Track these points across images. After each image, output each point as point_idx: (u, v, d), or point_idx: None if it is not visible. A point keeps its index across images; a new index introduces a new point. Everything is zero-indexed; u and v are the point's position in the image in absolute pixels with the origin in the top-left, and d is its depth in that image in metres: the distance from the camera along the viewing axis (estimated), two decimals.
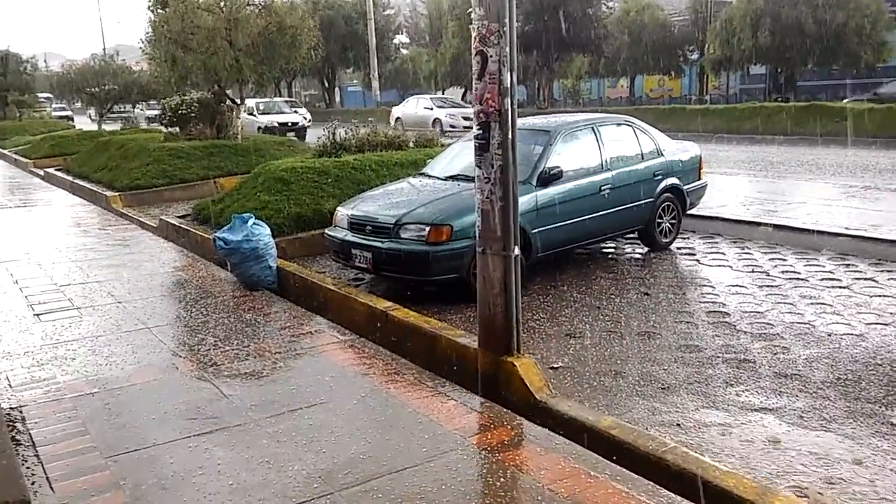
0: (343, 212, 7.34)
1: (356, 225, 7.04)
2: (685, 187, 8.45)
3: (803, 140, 21.69)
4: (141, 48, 16.95)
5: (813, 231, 8.40)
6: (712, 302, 6.43)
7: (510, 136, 4.45)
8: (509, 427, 4.09)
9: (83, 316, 6.42)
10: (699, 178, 8.81)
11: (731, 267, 7.56)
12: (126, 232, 10.82)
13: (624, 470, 3.56)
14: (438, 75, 56.23)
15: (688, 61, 48.83)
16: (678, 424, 4.21)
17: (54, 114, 44.15)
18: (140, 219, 11.66)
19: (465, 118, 26.75)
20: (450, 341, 5.18)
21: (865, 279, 6.92)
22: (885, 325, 5.71)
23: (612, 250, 8.54)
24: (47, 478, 3.61)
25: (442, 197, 6.99)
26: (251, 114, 27.86)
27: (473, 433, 4.03)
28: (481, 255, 4.68)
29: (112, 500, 3.42)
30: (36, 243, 9.95)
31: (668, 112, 28.56)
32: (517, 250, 4.61)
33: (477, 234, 4.70)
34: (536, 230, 6.82)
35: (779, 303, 6.32)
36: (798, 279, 7.01)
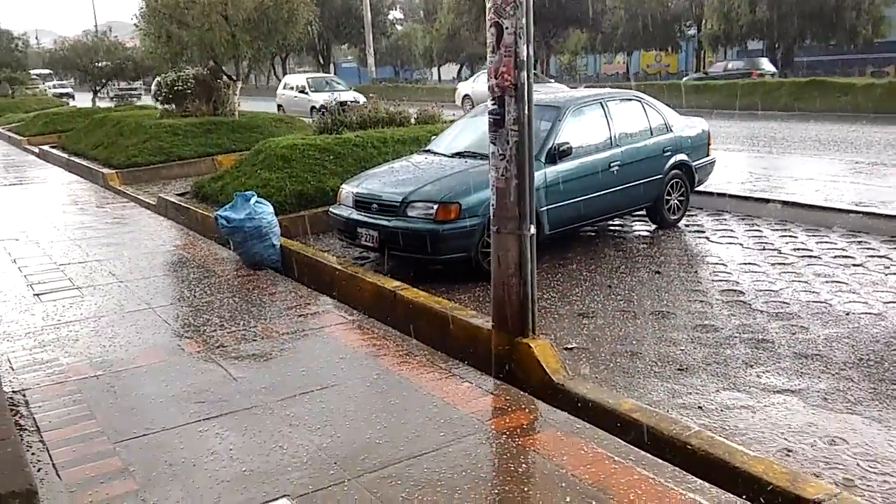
0: (348, 189, 7.20)
1: (362, 203, 6.90)
2: (694, 163, 8.31)
3: (804, 115, 21.50)
4: (135, 24, 16.64)
5: (823, 207, 8.30)
6: (725, 280, 6.32)
7: (526, 111, 4.30)
8: (527, 410, 3.98)
9: (84, 296, 6.28)
10: (707, 154, 8.67)
11: (741, 244, 7.45)
12: (124, 210, 10.65)
13: (648, 455, 3.46)
14: (434, 52, 55.75)
15: (685, 37, 48.46)
16: (700, 407, 4.11)
17: (53, 91, 42.37)
18: (138, 196, 11.48)
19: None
20: (462, 322, 5.07)
21: (879, 256, 6.81)
22: None
23: (619, 228, 8.41)
24: (53, 464, 3.50)
25: (449, 174, 6.84)
26: (303, 91, 25.60)
27: (490, 417, 3.93)
28: (496, 235, 4.56)
29: (121, 488, 3.31)
30: (33, 221, 9.78)
31: (667, 88, 28.30)
32: (533, 229, 4.48)
33: (491, 213, 4.57)
34: (545, 208, 6.69)
35: (793, 281, 6.21)
36: (811, 257, 6.90)
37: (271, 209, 7.33)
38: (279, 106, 26.52)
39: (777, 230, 7.93)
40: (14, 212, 10.68)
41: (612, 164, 7.33)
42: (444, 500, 3.13)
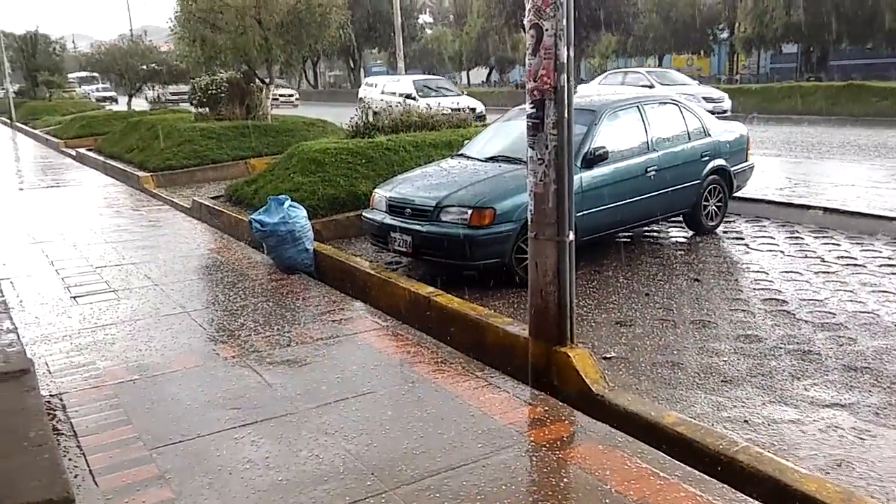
0: (381, 194, 7.15)
1: (395, 207, 6.85)
2: (732, 169, 8.14)
3: (842, 120, 21.11)
4: (170, 27, 16.82)
5: (866, 215, 8.07)
6: (767, 289, 6.16)
7: (566, 115, 4.22)
8: (566, 422, 3.90)
9: (120, 299, 6.31)
10: (746, 159, 8.50)
11: (782, 252, 7.27)
12: (159, 213, 10.74)
13: (694, 471, 3.35)
14: (463, 55, 55.78)
15: (717, 40, 47.87)
16: (746, 421, 3.99)
17: (96, 94, 41.65)
18: (172, 199, 11.58)
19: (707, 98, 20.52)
20: (498, 329, 4.99)
21: None
22: None
23: (655, 234, 8.27)
24: (90, 471, 3.49)
25: (483, 179, 6.76)
26: (409, 97, 21.96)
27: (529, 428, 3.85)
28: (534, 241, 4.47)
29: (158, 496, 3.28)
30: (70, 224, 9.90)
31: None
32: (571, 235, 4.39)
33: (529, 219, 4.49)
34: (581, 213, 6.56)
35: (838, 290, 6.04)
36: (855, 265, 6.71)
37: (305, 213, 7.32)
38: (360, 99, 25.98)
39: (819, 237, 7.73)
40: (52, 214, 10.82)
41: (648, 169, 7.19)
42: None
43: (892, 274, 6.40)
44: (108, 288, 6.65)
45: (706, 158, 7.81)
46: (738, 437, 3.69)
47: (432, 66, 61.98)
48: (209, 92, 16.09)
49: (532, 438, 3.72)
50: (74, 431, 3.88)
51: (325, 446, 3.67)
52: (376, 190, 7.36)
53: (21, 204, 12.13)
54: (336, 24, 15.79)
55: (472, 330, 5.22)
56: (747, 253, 7.35)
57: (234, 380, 4.55)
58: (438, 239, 6.38)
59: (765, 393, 4.32)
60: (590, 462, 3.45)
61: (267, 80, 16.23)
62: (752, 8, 36.81)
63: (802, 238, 7.75)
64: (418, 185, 7.02)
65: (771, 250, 7.35)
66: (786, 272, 6.59)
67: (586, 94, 18.79)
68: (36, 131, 27.42)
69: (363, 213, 7.38)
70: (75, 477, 3.41)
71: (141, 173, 13.88)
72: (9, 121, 34.63)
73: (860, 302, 5.75)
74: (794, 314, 5.55)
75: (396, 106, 17.79)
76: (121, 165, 15.32)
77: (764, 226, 8.39)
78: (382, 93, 25.08)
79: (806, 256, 7.06)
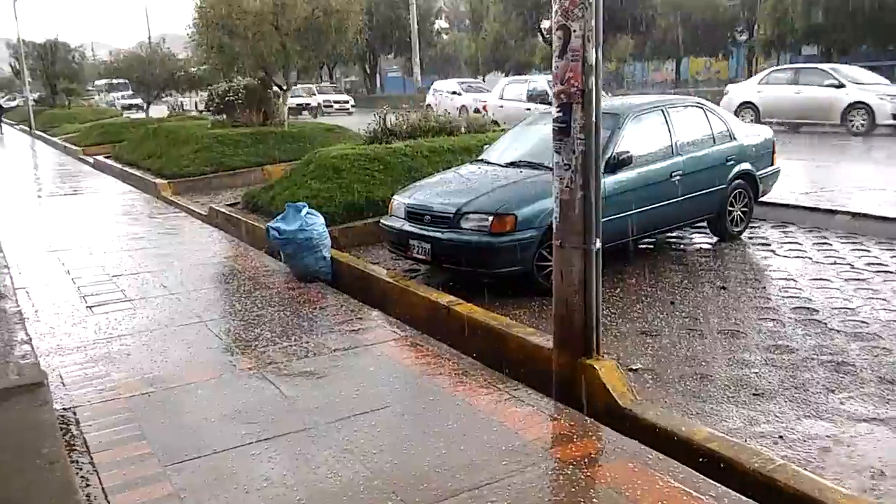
0: (399, 200, 7.04)
1: (414, 214, 6.74)
2: (758, 173, 7.96)
3: None
4: (188, 34, 16.86)
5: None
6: (796, 297, 5.98)
7: (594, 118, 4.08)
8: (593, 438, 3.75)
9: (136, 308, 6.24)
10: (772, 164, 8.31)
11: (810, 258, 7.08)
12: (176, 220, 10.70)
13: (729, 491, 3.20)
14: (480, 60, 55.66)
15: (736, 43, 47.43)
16: (780, 437, 3.82)
17: (122, 102, 39.91)
18: (189, 207, 11.55)
19: None
20: (520, 340, 4.86)
21: None
22: None
23: (678, 240, 8.10)
24: (103, 489, 3.39)
25: (504, 185, 6.64)
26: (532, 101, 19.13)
27: (555, 444, 3.71)
28: (559, 249, 4.34)
29: None
30: (87, 232, 9.88)
31: (720, 94, 27.63)
32: (599, 243, 4.25)
33: (554, 226, 4.35)
34: (604, 219, 6.36)
35: (870, 298, 5.85)
36: (887, 272, 6.51)
37: (322, 220, 7.23)
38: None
39: (847, 243, 7.53)
40: (69, 222, 10.81)
41: (673, 174, 7.03)
42: None
43: None
44: (124, 297, 6.59)
45: (731, 163, 7.63)
46: (773, 454, 3.53)
47: (448, 72, 62.00)
48: (226, 98, 16.10)
49: (559, 455, 3.58)
50: (87, 447, 3.79)
51: (344, 463, 3.55)
52: (395, 196, 7.26)
53: (39, 212, 12.15)
54: (353, 30, 15.73)
55: (493, 340, 5.10)
56: (774, 259, 7.17)
57: (250, 392, 4.44)
58: (458, 246, 6.26)
59: (799, 407, 4.15)
60: (620, 481, 3.31)
61: (284, 87, 16.20)
62: (772, 10, 36.46)
63: (830, 244, 7.55)
64: (438, 191, 6.90)
65: (799, 256, 7.16)
66: (815, 279, 6.41)
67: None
68: (55, 139, 27.63)
69: (381, 220, 7.27)
70: (87, 496, 3.31)
71: (158, 180, 13.89)
72: (28, 128, 34.97)
73: (893, 310, 5.56)
74: (825, 323, 5.37)
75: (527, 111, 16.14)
76: (138, 173, 15.36)
77: (790, 231, 8.19)
78: (501, 98, 21.74)
79: (835, 263, 6.86)
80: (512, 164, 7.17)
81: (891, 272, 6.51)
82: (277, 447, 3.75)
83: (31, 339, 5.26)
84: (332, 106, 38.95)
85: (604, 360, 4.31)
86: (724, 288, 6.31)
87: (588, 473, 3.40)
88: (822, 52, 39.62)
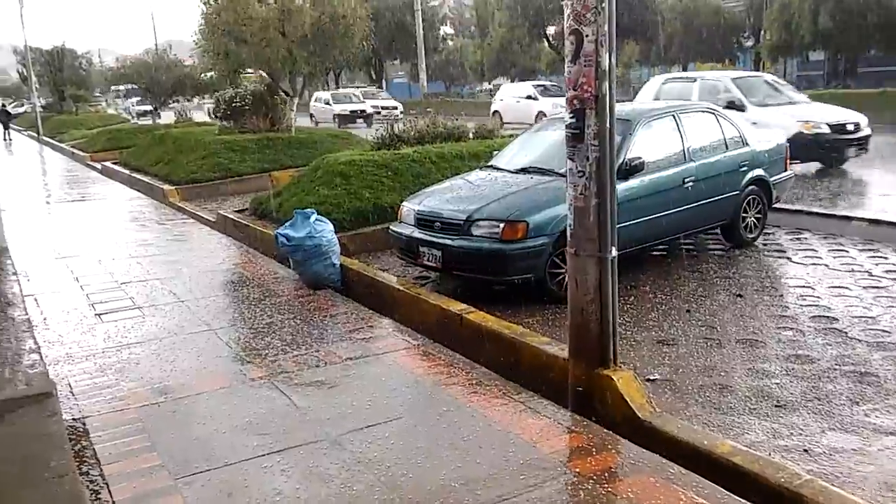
0: (409, 207, 6.98)
1: (423, 221, 6.67)
2: (771, 179, 7.87)
3: (877, 128, 20.52)
4: (194, 41, 16.86)
5: None
6: (814, 305, 5.88)
7: (608, 124, 4.01)
8: (613, 451, 3.67)
9: (145, 316, 6.18)
10: (786, 169, 8.22)
11: (827, 265, 6.98)
12: (184, 226, 10.66)
13: None
14: (485, 66, 55.65)
15: (742, 48, 47.32)
16: (805, 450, 3.73)
17: (136, 108, 37.29)
18: (197, 213, 11.51)
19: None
20: (535, 349, 4.77)
21: None
22: None
23: (691, 247, 8.00)
24: (113, 502, 3.32)
25: (515, 191, 6.56)
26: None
27: (574, 457, 3.62)
28: (573, 257, 4.26)
29: None
30: (95, 238, 9.84)
31: None
32: (614, 251, 4.17)
33: (569, 234, 4.27)
34: (617, 226, 6.34)
35: (890, 307, 5.74)
36: None
37: (331, 227, 7.17)
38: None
39: (864, 250, 7.42)
40: (77, 228, 10.78)
41: (685, 180, 6.95)
42: None
43: None
44: (133, 305, 6.53)
45: (744, 168, 7.55)
46: (798, 468, 3.44)
47: (454, 78, 61.99)
48: (233, 104, 16.08)
49: (577, 469, 3.49)
50: (97, 459, 3.72)
51: (358, 476, 3.47)
52: (404, 203, 7.19)
53: (47, 218, 12.13)
54: (360, 36, 15.72)
55: (506, 349, 5.01)
56: (790, 267, 7.07)
57: (261, 402, 4.37)
58: (469, 253, 6.19)
59: (823, 419, 4.06)
60: (641, 497, 3.22)
61: (290, 93, 16.18)
62: (779, 16, 36.35)
63: (847, 251, 7.45)
64: (448, 197, 6.83)
65: (815, 264, 7.06)
66: (833, 287, 6.31)
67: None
68: (62, 145, 27.70)
69: (391, 227, 7.21)
70: None
71: (166, 186, 13.86)
72: (36, 134, 35.08)
73: None
74: (845, 332, 5.28)
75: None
76: (146, 179, 15.34)
77: (805, 238, 8.09)
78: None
79: (853, 270, 6.76)
80: (522, 171, 7.09)
81: None
82: (290, 459, 3.67)
83: (39, 348, 5.22)
84: (379, 112, 33.88)
85: (621, 371, 4.22)
86: (740, 296, 6.21)
87: (609, 488, 3.31)
88: (829, 58, 39.52)
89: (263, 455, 3.72)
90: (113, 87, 42.98)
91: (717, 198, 7.27)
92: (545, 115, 21.86)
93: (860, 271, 6.72)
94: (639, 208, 6.54)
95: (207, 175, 13.90)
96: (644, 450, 3.66)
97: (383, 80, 55.77)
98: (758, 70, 46.66)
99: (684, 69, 50.86)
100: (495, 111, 27.48)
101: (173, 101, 28.78)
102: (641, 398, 4.08)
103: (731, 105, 12.12)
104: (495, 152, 8.22)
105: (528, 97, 26.83)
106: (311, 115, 33.39)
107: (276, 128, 15.97)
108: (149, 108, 30.33)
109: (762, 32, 40.57)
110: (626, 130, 6.81)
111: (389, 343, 5.37)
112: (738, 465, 3.45)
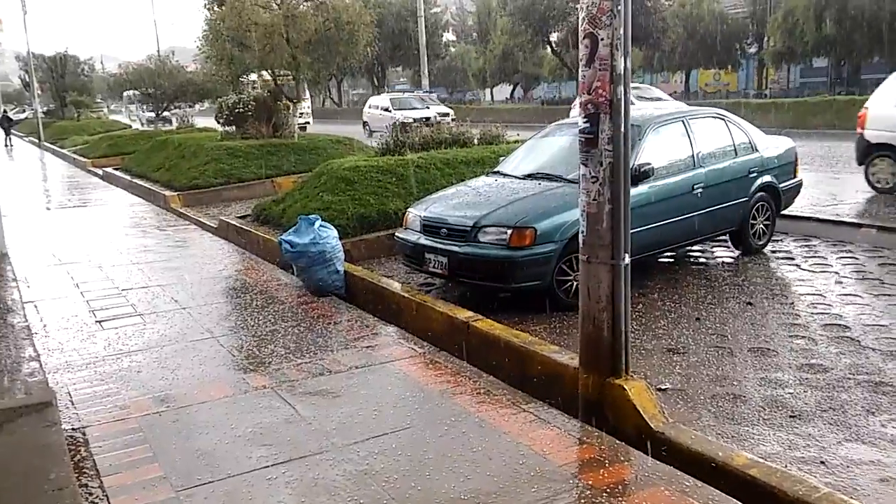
0: (415, 213, 6.90)
1: (430, 227, 6.59)
2: (780, 185, 7.79)
3: None
4: (198, 47, 16.85)
5: None
6: (825, 313, 5.80)
7: (623, 129, 3.93)
8: (626, 463, 3.57)
9: (146, 323, 6.10)
10: (795, 176, 8.14)
11: (837, 273, 6.89)
12: (185, 232, 10.58)
13: None
14: (487, 72, 55.68)
15: (745, 54, 47.33)
16: (822, 462, 3.64)
17: (145, 115, 34.32)
18: (199, 219, 11.43)
19: None
20: (544, 358, 4.68)
21: None
22: None
23: (699, 254, 7.92)
24: None
25: (522, 197, 6.48)
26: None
27: (586, 469, 3.53)
28: (585, 264, 4.17)
29: None
30: (96, 244, 9.76)
31: (731, 106, 27.47)
32: (627, 259, 4.09)
33: (581, 241, 4.19)
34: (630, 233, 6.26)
35: None
36: None
37: (335, 233, 7.09)
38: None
39: (874, 257, 7.34)
40: (78, 234, 10.71)
41: (695, 186, 6.87)
42: None
43: None
44: (134, 311, 6.45)
45: (754, 175, 7.47)
46: (816, 481, 3.35)
47: (456, 84, 62.02)
48: (236, 110, 16.04)
49: (590, 482, 3.40)
50: (97, 470, 3.63)
51: (364, 489, 3.38)
52: (410, 209, 7.11)
53: (48, 224, 12.05)
54: (364, 42, 15.69)
55: (514, 358, 4.92)
56: (799, 274, 6.98)
57: (265, 412, 4.28)
58: (476, 260, 6.11)
59: (839, 430, 3.96)
60: None
61: (294, 99, 16.14)
62: (783, 22, 36.35)
63: (857, 258, 7.36)
64: (454, 203, 6.76)
65: (824, 271, 6.98)
66: (843, 295, 6.22)
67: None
68: (64, 151, 27.66)
69: (396, 233, 7.13)
70: None
71: (167, 192, 13.80)
72: (37, 140, 35.07)
73: None
74: (858, 341, 5.19)
75: None
76: (147, 184, 15.29)
77: (814, 245, 8.00)
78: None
79: (863, 278, 6.67)
80: (529, 177, 7.02)
81: None
82: (294, 471, 3.58)
83: (39, 356, 5.14)
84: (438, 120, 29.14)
85: (633, 381, 4.14)
86: (750, 304, 6.13)
87: (623, 501, 3.22)
88: (833, 64, 39.48)
89: (267, 466, 3.63)
90: (125, 93, 42.65)
91: (726, 204, 7.19)
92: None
93: (871, 279, 6.63)
94: (648, 215, 6.45)
95: (209, 181, 13.84)
96: (658, 462, 3.57)
97: (385, 87, 55.77)
98: (760, 77, 46.71)
99: (687, 76, 50.97)
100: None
101: (175, 107, 28.79)
102: (654, 408, 3.99)
103: None
104: (501, 158, 8.14)
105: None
106: (365, 124, 29.62)
107: (279, 133, 15.93)
108: (165, 114, 29.50)
109: (766, 39, 40.59)
110: (635, 136, 6.71)
111: (395, 351, 5.28)
112: (755, 477, 3.35)
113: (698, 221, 6.93)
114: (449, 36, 63.17)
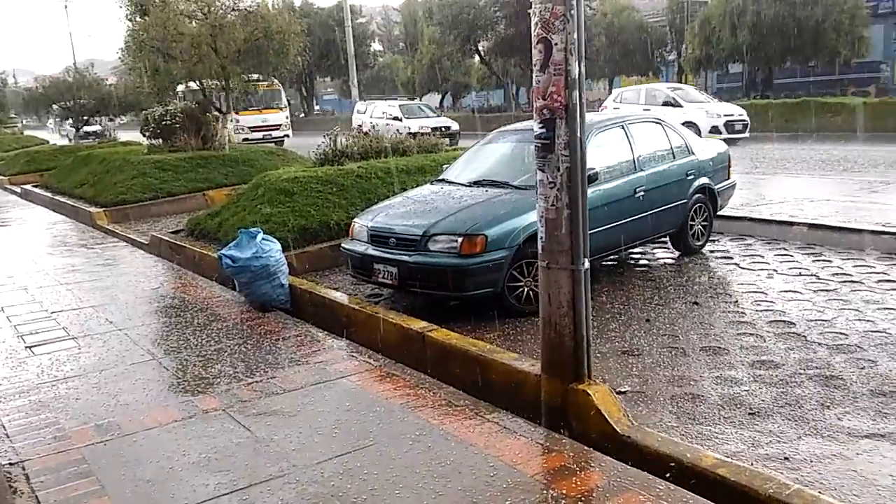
0: (361, 223, 6.76)
1: (378, 237, 6.47)
2: (716, 187, 7.98)
3: (796, 137, 21.45)
4: (120, 58, 16.27)
5: (853, 230, 7.95)
6: (769, 310, 5.94)
7: (578, 134, 3.92)
8: (597, 469, 3.54)
9: (81, 347, 5.78)
10: (728, 177, 8.36)
11: (775, 270, 7.08)
12: (115, 250, 10.15)
13: None
14: (416, 81, 55.76)
15: (665, 61, 48.81)
16: (786, 458, 3.68)
17: (82, 130, 30.48)
18: (128, 235, 10.98)
19: None
20: (505, 366, 4.63)
21: None
22: None
23: (641, 256, 8.04)
24: None
25: (470, 205, 6.43)
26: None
27: (558, 478, 3.47)
28: (545, 270, 4.14)
29: None
30: (20, 265, 9.25)
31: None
32: (587, 263, 4.07)
33: (539, 247, 4.16)
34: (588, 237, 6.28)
35: (843, 309, 5.84)
36: (852, 282, 6.54)
37: (279, 246, 6.90)
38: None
39: (808, 254, 7.59)
40: None
41: (637, 190, 6.96)
42: None
43: (893, 290, 6.24)
44: (67, 335, 6.11)
45: (691, 177, 7.63)
46: (784, 478, 3.38)
47: (385, 93, 61.86)
48: (163, 123, 15.53)
49: (564, 490, 3.35)
50: None
51: None
52: (356, 220, 6.97)
53: None
54: (294, 52, 15.45)
55: (474, 367, 4.85)
56: (740, 273, 7.15)
57: (218, 436, 4.09)
58: (427, 269, 6.02)
59: (797, 425, 4.03)
60: None
61: (224, 110, 15.74)
62: (700, 31, 37.63)
63: (792, 255, 7.60)
64: (402, 212, 6.65)
65: (763, 269, 7.16)
66: (784, 291, 6.39)
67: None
68: None
69: (342, 244, 6.98)
70: None
71: (93, 209, 13.23)
72: None
73: (869, 321, 5.55)
74: (804, 336, 5.32)
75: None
76: (70, 201, 14.63)
77: (750, 244, 8.23)
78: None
79: (800, 274, 6.88)
80: (475, 184, 6.98)
81: (857, 282, 6.54)
82: (256, 497, 3.41)
83: None
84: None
85: (596, 385, 4.12)
86: (696, 303, 6.23)
87: None
88: (748, 70, 41.08)
89: (225, 494, 3.46)
90: (53, 105, 40.79)
91: (666, 206, 7.31)
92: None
93: (808, 275, 6.84)
94: (594, 219, 6.37)
95: (137, 196, 13.33)
96: (627, 466, 3.55)
97: (314, 97, 55.16)
98: (681, 82, 48.21)
99: (610, 83, 52.15)
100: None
101: (94, 121, 27.73)
102: (618, 412, 3.98)
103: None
104: (445, 166, 8.08)
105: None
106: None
107: (209, 146, 15.48)
108: (96, 128, 27.70)
109: (684, 46, 41.93)
110: None
111: (348, 365, 5.15)
112: (725, 476, 3.36)
113: (642, 224, 7.02)
114: (376, 46, 63.04)
